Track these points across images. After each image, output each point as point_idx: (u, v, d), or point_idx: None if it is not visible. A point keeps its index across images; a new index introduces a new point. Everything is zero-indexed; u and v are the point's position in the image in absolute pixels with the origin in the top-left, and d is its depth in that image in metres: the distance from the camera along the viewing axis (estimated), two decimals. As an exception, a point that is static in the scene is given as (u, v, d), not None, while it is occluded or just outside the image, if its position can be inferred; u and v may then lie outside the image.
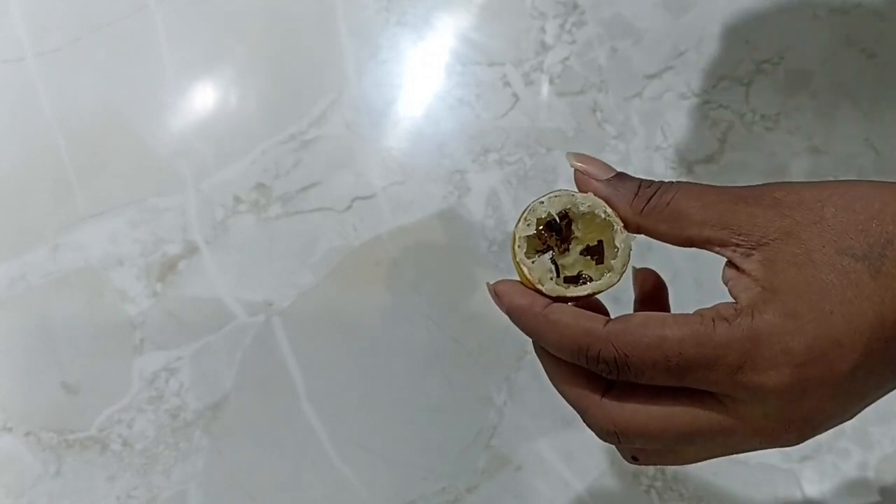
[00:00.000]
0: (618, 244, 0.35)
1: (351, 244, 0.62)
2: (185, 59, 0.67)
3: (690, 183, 0.35)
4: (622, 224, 0.35)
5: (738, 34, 0.64)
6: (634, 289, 0.40)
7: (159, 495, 0.58)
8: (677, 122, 0.63)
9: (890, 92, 0.63)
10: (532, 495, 0.57)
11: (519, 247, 0.35)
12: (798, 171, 0.61)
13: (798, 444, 0.34)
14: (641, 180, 0.35)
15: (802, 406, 0.32)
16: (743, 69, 0.63)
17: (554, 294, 0.35)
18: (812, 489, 0.56)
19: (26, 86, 0.66)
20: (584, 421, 0.36)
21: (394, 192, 0.62)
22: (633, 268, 0.39)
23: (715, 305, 0.33)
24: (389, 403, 0.59)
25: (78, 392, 0.60)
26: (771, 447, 0.35)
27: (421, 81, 0.65)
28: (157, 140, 0.65)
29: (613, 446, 0.37)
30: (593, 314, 0.34)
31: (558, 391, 0.36)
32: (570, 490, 0.56)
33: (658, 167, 0.62)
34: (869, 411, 0.34)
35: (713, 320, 0.32)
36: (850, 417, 0.34)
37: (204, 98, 0.66)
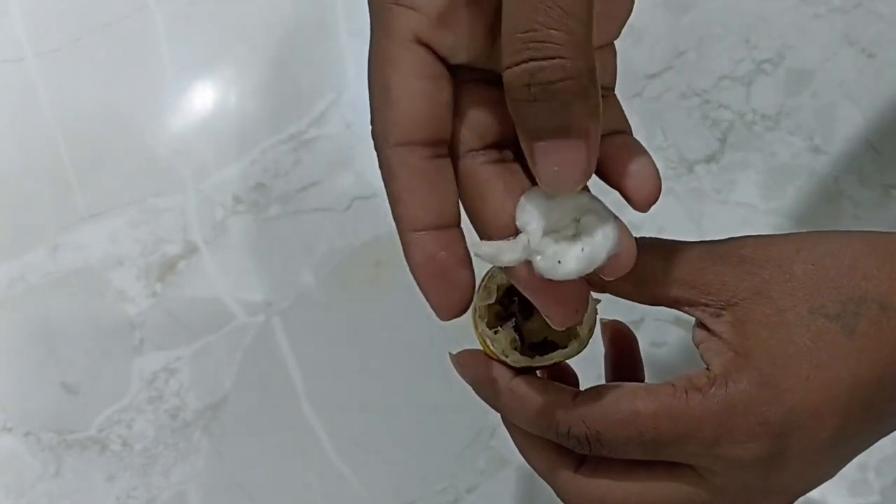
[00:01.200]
0: None
1: (351, 244, 0.62)
2: (185, 59, 0.66)
3: (652, 239, 0.33)
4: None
5: (739, 34, 0.64)
6: (604, 342, 0.38)
7: (159, 496, 0.58)
8: (677, 122, 0.63)
9: (890, 92, 0.63)
10: (532, 496, 0.57)
11: (480, 317, 0.34)
12: (799, 170, 0.61)
13: None
14: None
15: (782, 476, 0.31)
16: (743, 69, 0.63)
17: (519, 365, 0.33)
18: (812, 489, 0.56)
19: (26, 86, 0.66)
20: (558, 496, 0.34)
21: (394, 192, 0.62)
22: (602, 321, 0.37)
23: (688, 375, 0.32)
24: (389, 403, 0.59)
25: (77, 392, 0.60)
26: None
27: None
28: (157, 140, 0.65)
29: None
30: (561, 387, 0.33)
31: (529, 465, 0.35)
32: (571, 490, 0.56)
33: (658, 167, 0.62)
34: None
35: (686, 392, 0.31)
36: (835, 474, 0.33)
37: (204, 98, 0.66)
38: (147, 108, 0.65)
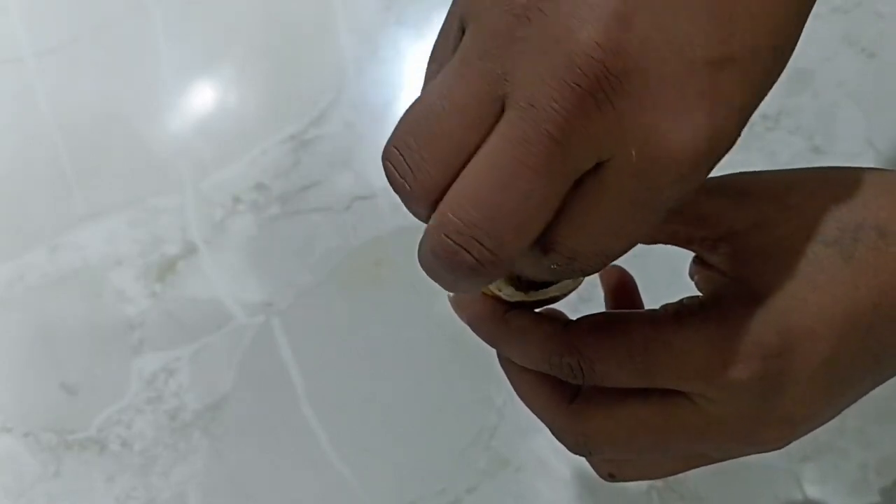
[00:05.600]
0: None
1: (351, 244, 0.62)
2: (184, 58, 0.66)
3: None
4: None
5: (739, 34, 0.64)
6: (603, 287, 0.38)
7: (158, 496, 0.58)
8: (677, 122, 0.63)
9: (890, 91, 0.63)
10: (532, 496, 0.57)
11: None
12: (798, 170, 0.61)
13: (779, 446, 0.32)
14: None
15: (778, 402, 0.30)
16: (743, 69, 0.63)
17: (513, 299, 0.33)
18: (812, 489, 0.56)
19: (25, 85, 0.66)
20: (553, 433, 0.34)
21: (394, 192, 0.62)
22: None
23: (680, 299, 0.31)
24: (389, 404, 0.59)
25: (77, 392, 0.60)
26: (752, 452, 0.33)
27: (421, 81, 0.65)
28: (157, 140, 0.65)
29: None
30: (555, 317, 0.33)
31: (525, 404, 0.35)
32: (570, 491, 0.56)
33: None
34: (869, 410, 0.33)
35: (678, 314, 0.30)
36: (834, 416, 0.32)
37: (203, 98, 0.66)
38: (146, 108, 0.65)
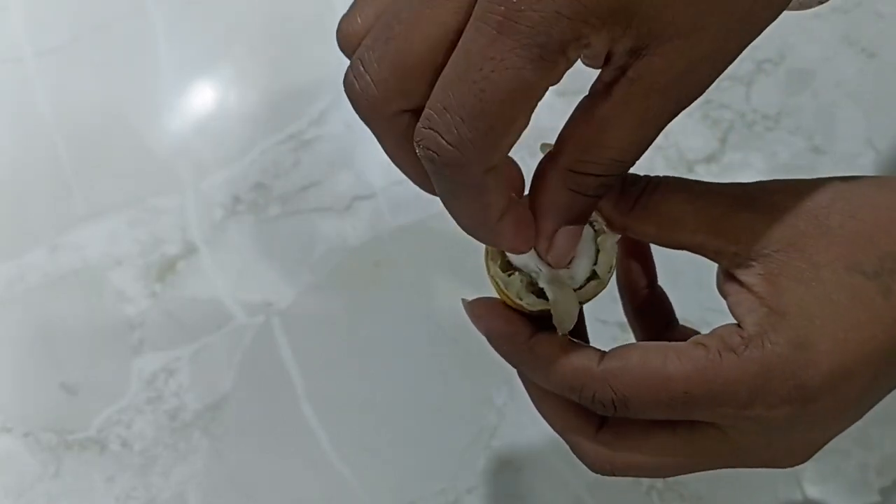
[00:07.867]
0: (600, 247, 0.32)
1: (351, 244, 0.62)
2: (183, 58, 0.66)
3: (678, 180, 0.32)
4: (605, 224, 0.32)
5: (739, 34, 0.64)
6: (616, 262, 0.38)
7: (158, 496, 0.58)
8: (677, 122, 0.62)
9: (890, 91, 0.63)
10: (532, 496, 0.57)
11: (492, 259, 0.32)
12: (799, 170, 0.61)
13: (798, 465, 0.33)
14: (626, 177, 0.31)
15: (807, 434, 0.31)
16: (744, 68, 0.63)
17: (535, 308, 0.32)
18: (813, 490, 0.56)
19: (25, 85, 0.66)
20: (575, 455, 0.33)
21: (394, 192, 0.62)
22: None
23: (718, 332, 0.31)
24: (389, 404, 0.59)
25: (77, 392, 0.60)
26: (771, 467, 0.33)
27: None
28: (157, 140, 0.65)
29: None
30: (584, 348, 0.32)
31: (548, 424, 0.34)
32: (570, 491, 0.56)
33: (658, 167, 0.62)
34: (870, 412, 0.34)
35: (720, 353, 0.30)
36: (850, 427, 0.33)
37: (203, 98, 0.66)
38: (146, 107, 0.65)
